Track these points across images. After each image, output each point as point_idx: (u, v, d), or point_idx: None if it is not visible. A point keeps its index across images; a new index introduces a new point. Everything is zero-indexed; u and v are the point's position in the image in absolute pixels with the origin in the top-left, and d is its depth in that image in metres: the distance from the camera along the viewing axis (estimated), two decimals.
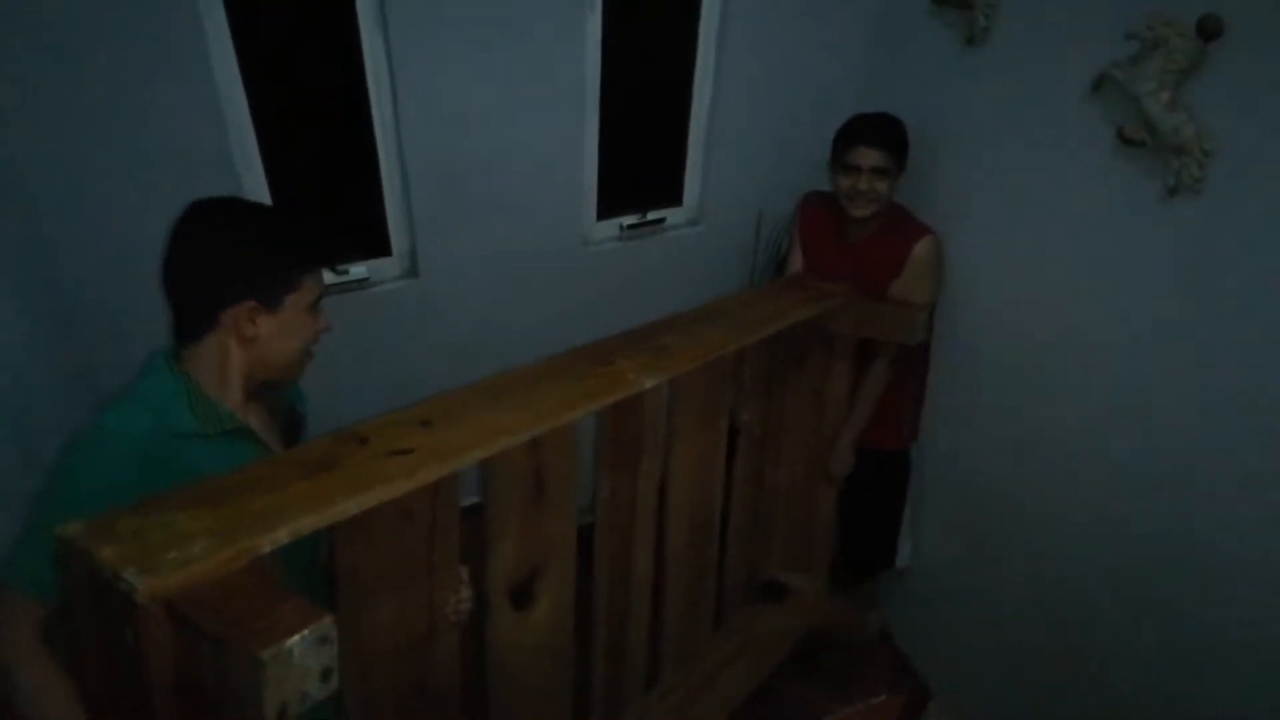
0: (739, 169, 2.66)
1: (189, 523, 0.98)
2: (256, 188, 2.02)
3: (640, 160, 2.65)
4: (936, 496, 2.48)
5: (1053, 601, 2.13)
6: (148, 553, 0.92)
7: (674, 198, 2.71)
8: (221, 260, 1.12)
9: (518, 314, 2.45)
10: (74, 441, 1.09)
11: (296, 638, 0.83)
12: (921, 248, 2.13)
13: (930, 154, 2.22)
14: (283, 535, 0.99)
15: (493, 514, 1.50)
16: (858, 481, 2.38)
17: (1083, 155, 1.83)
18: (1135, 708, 1.94)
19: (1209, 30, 1.49)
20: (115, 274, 1.84)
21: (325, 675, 0.87)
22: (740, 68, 2.48)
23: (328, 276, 1.44)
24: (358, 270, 2.21)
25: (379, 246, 2.26)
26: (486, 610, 1.57)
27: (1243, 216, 1.55)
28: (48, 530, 0.97)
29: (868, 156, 2.06)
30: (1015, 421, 2.15)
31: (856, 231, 2.22)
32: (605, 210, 2.59)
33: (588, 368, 1.53)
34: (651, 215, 2.64)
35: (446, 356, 2.36)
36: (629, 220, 2.61)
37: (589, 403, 1.43)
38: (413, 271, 2.28)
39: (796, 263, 2.36)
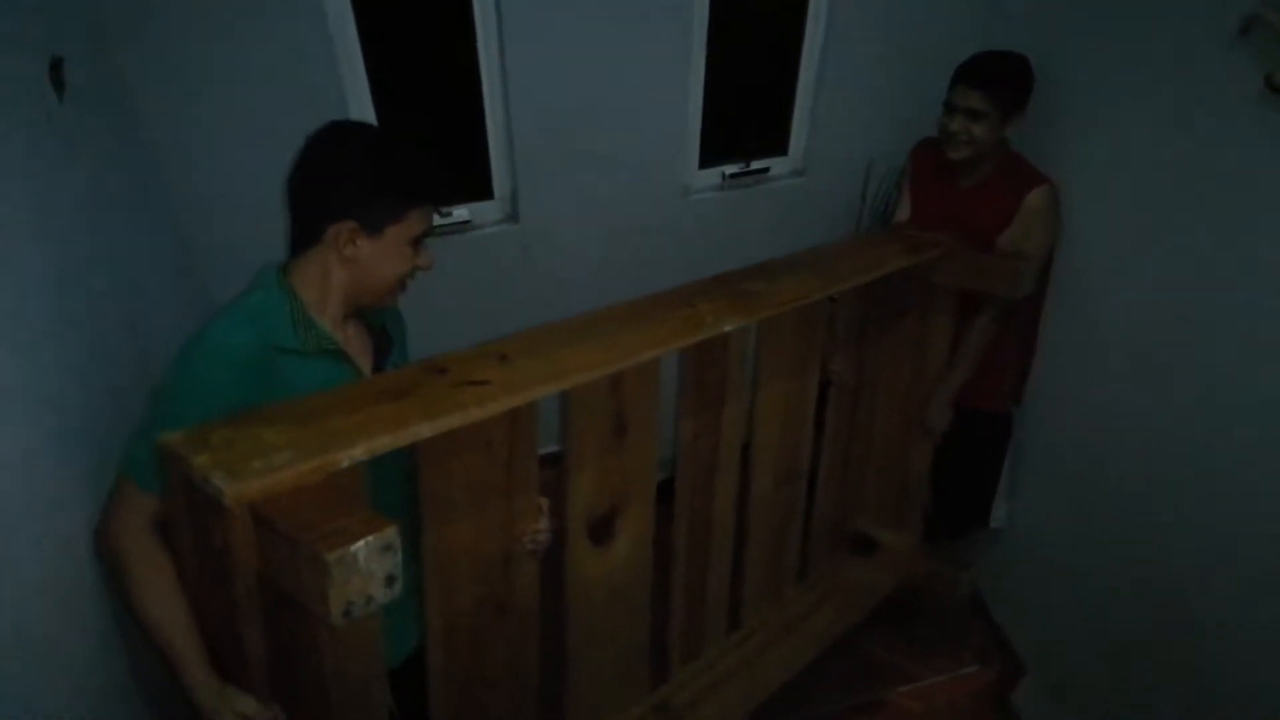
0: (849, 118, 2.57)
1: (275, 437, 1.05)
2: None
3: (745, 107, 2.60)
4: (1038, 463, 2.37)
5: (1154, 588, 2.01)
6: (236, 461, 1.00)
7: (779, 147, 2.65)
8: (334, 175, 1.18)
9: (616, 263, 2.46)
10: (186, 347, 1.18)
11: (361, 543, 0.89)
12: (1035, 197, 2.02)
13: (1055, 102, 2.09)
14: (359, 452, 1.05)
15: (572, 448, 1.54)
16: (956, 440, 2.30)
17: (1226, 107, 1.66)
18: (1235, 703, 1.83)
19: None
20: (226, 195, 1.97)
21: (389, 581, 0.93)
22: (855, 12, 2.39)
23: None
24: (460, 212, 2.27)
25: (481, 189, 2.31)
26: (566, 544, 1.62)
27: None
28: (158, 430, 1.07)
29: (965, 97, 1.97)
30: (1129, 399, 2.02)
31: (966, 179, 2.13)
32: (707, 158, 2.56)
33: (667, 311, 1.54)
34: (755, 165, 2.60)
35: (543, 302, 2.37)
36: (731, 169, 2.57)
37: (666, 344, 1.45)
38: (513, 216, 2.33)
39: (904, 211, 2.28)
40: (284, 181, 1.19)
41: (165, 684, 1.11)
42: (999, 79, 1.98)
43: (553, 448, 1.62)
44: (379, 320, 1.37)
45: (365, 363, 1.31)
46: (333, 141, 1.19)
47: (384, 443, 1.08)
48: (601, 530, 1.67)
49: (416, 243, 1.25)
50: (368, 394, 1.19)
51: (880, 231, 2.19)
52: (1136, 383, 2.00)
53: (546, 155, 2.25)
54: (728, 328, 1.53)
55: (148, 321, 1.61)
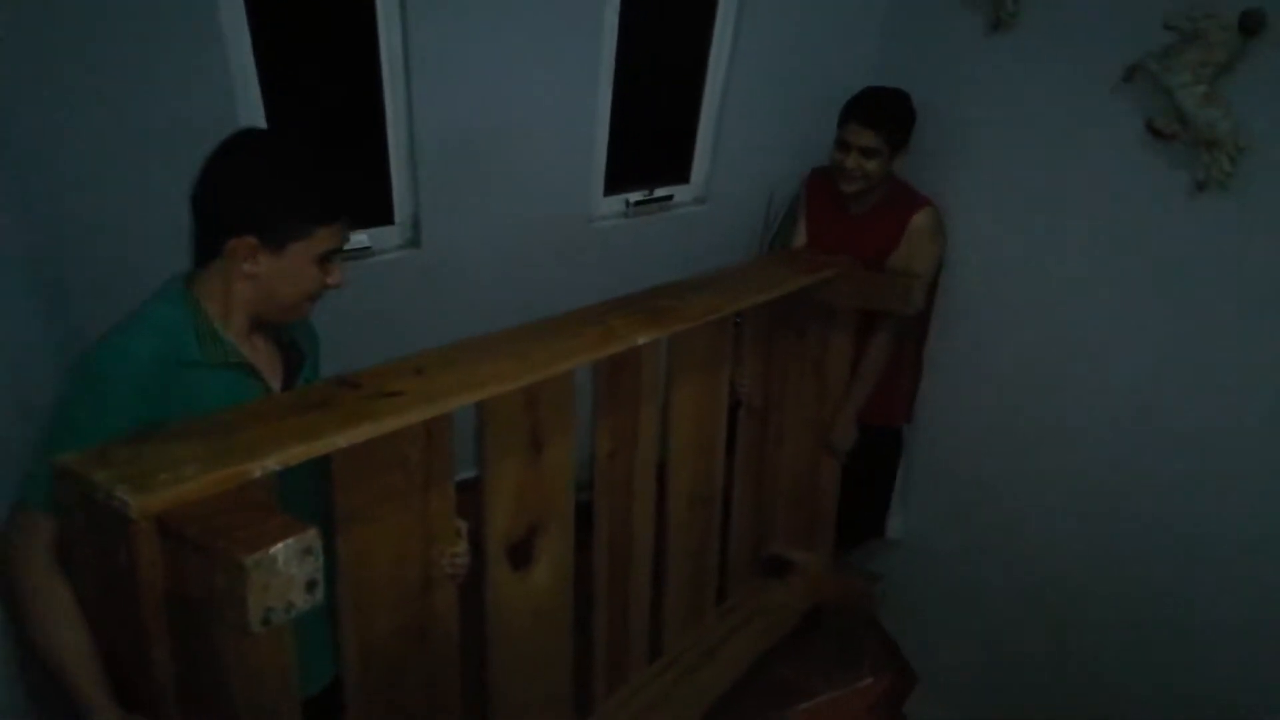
0: (749, 148, 2.65)
1: (182, 450, 1.01)
2: None
3: (650, 136, 2.65)
4: (926, 476, 2.48)
5: (1041, 591, 2.13)
6: (141, 475, 0.95)
7: (682, 175, 2.71)
8: (235, 188, 1.14)
9: (520, 289, 2.44)
10: (83, 359, 1.12)
11: (280, 545, 0.86)
12: (919, 217, 2.14)
13: (946, 138, 2.23)
14: (272, 462, 1.02)
15: (489, 469, 1.53)
16: (853, 454, 2.38)
17: (1108, 146, 1.81)
18: (1121, 699, 1.94)
19: (1252, 25, 1.48)
20: (116, 237, 1.86)
21: (310, 586, 0.90)
22: (757, 46, 2.48)
23: None
24: (359, 238, 2.21)
25: (381, 214, 2.27)
26: (485, 569, 1.59)
27: (1273, 213, 1.54)
28: (56, 448, 1.01)
29: (858, 135, 2.08)
30: (1014, 411, 2.15)
31: (857, 206, 2.24)
32: (612, 186, 2.58)
33: (581, 326, 1.56)
34: (659, 192, 2.65)
35: (446, 329, 2.31)
36: (635, 196, 2.62)
37: (581, 356, 1.46)
38: (415, 241, 2.29)
39: (800, 237, 2.37)
40: (189, 186, 1.16)
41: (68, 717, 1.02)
42: (888, 118, 2.10)
43: (469, 474, 1.60)
44: (288, 334, 1.33)
45: (274, 378, 1.27)
46: (238, 151, 1.16)
47: (297, 453, 1.05)
48: (521, 554, 1.65)
49: (324, 260, 1.21)
50: (278, 408, 1.16)
51: (778, 253, 2.27)
52: (1018, 396, 2.13)
53: (451, 179, 2.22)
54: (641, 340, 1.55)
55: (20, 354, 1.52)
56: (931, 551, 2.49)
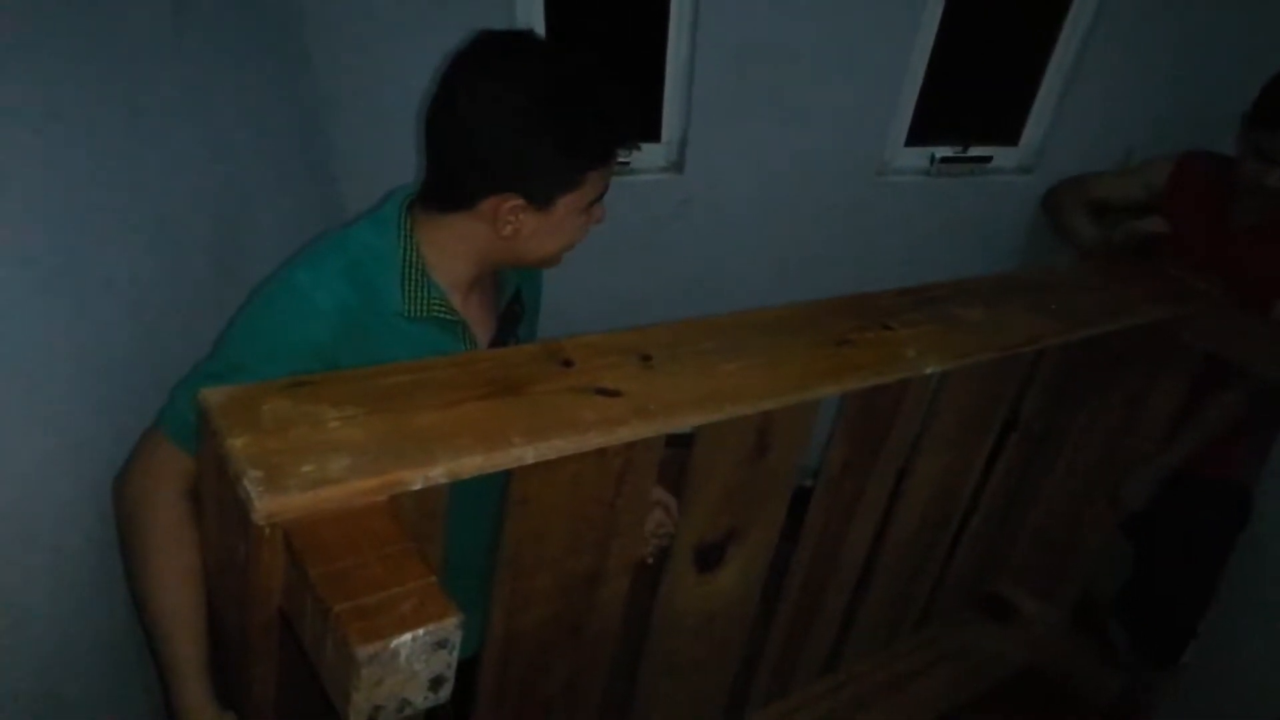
0: (1105, 113, 2.10)
1: (339, 425, 0.81)
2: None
3: (977, 80, 2.13)
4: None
5: None
6: (282, 456, 0.76)
7: (1008, 135, 2.19)
8: (496, 137, 0.91)
9: (784, 238, 2.11)
10: (263, 289, 0.96)
11: (407, 637, 0.65)
12: None
13: None
14: (439, 473, 0.80)
15: (699, 460, 1.27)
16: (1165, 517, 1.88)
17: None
18: None
19: None
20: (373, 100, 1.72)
21: (435, 684, 0.69)
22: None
23: None
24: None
25: (648, 130, 1.99)
26: (668, 566, 1.37)
27: None
28: (208, 380, 0.86)
29: None
30: None
31: (1247, 215, 1.68)
32: (917, 134, 2.12)
33: (854, 326, 1.22)
34: (975, 151, 2.15)
35: (697, 269, 2.10)
36: (945, 152, 2.14)
37: (848, 380, 1.13)
38: (678, 165, 2.00)
39: (1157, 223, 1.80)
40: (421, 115, 0.92)
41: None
42: None
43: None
44: (514, 281, 1.11)
45: (484, 331, 1.06)
46: (491, 82, 0.90)
47: (472, 464, 0.83)
48: (711, 556, 1.41)
49: (593, 205, 0.99)
50: (470, 378, 0.93)
51: (1129, 260, 1.75)
52: None
53: (728, 100, 1.89)
54: (930, 369, 1.20)
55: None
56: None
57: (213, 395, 0.81)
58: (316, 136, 1.75)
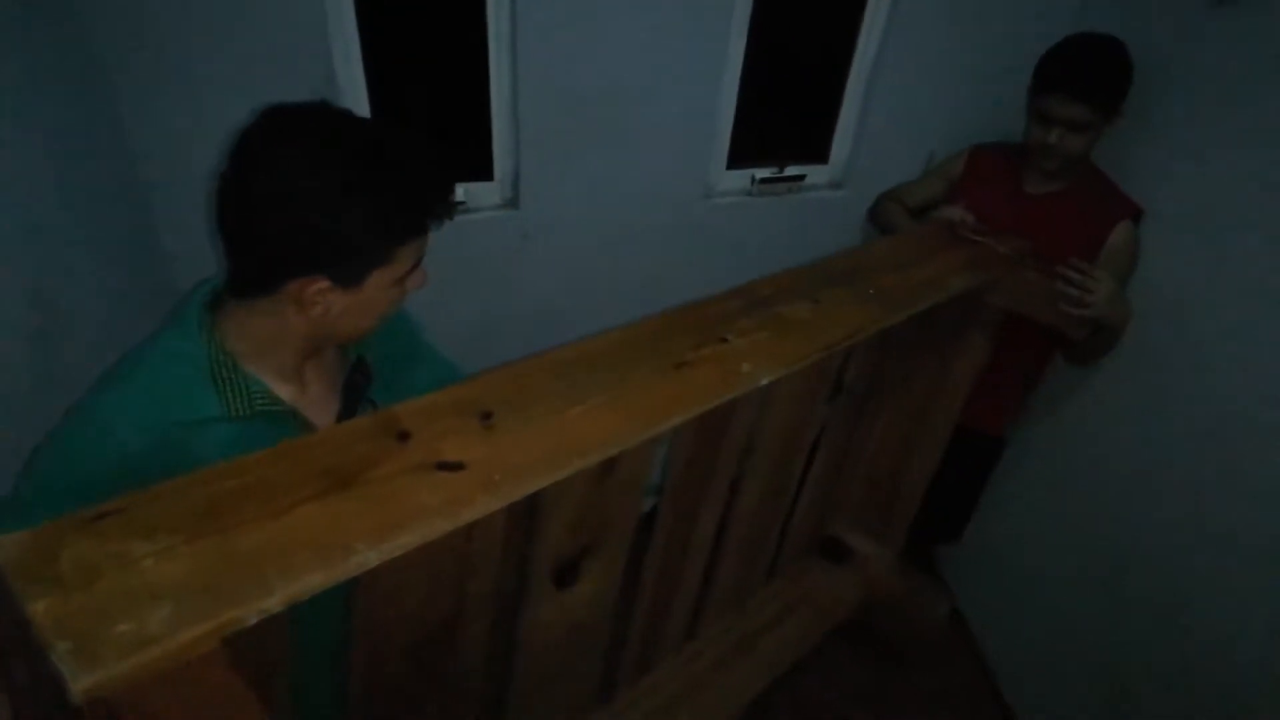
0: (900, 129, 2.23)
1: (153, 561, 0.74)
2: (353, 89, 1.75)
3: (786, 103, 2.24)
4: (1024, 488, 2.28)
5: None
6: (92, 616, 0.68)
7: (818, 153, 2.29)
8: (294, 218, 0.82)
9: (625, 262, 2.17)
10: (71, 417, 0.86)
11: None
12: (1125, 230, 1.75)
13: (1143, 120, 1.77)
14: (274, 603, 0.75)
15: (549, 493, 1.25)
16: (948, 457, 2.09)
17: None
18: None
19: None
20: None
21: None
22: (923, 8, 2.04)
23: None
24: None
25: (480, 169, 1.96)
26: (527, 585, 1.36)
27: None
28: (9, 523, 0.76)
29: (1066, 107, 1.64)
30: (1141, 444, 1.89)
31: (1038, 184, 1.81)
32: (736, 158, 2.20)
33: (691, 344, 1.22)
34: (790, 171, 2.24)
35: (539, 300, 2.12)
36: (763, 173, 2.22)
37: (690, 404, 1.13)
38: (514, 202, 1.98)
39: (952, 214, 1.93)
40: (211, 194, 0.82)
41: None
42: (1104, 85, 1.64)
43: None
44: (353, 349, 1.04)
45: (327, 411, 0.99)
46: (285, 159, 0.80)
47: (311, 583, 0.77)
48: (568, 573, 1.41)
49: (408, 275, 0.93)
50: (300, 474, 0.86)
51: (930, 226, 1.85)
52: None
53: (556, 136, 1.90)
54: (765, 380, 1.22)
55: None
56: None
57: (4, 548, 0.71)
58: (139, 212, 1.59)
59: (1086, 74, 1.66)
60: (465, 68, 1.85)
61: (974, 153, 2.01)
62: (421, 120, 2.00)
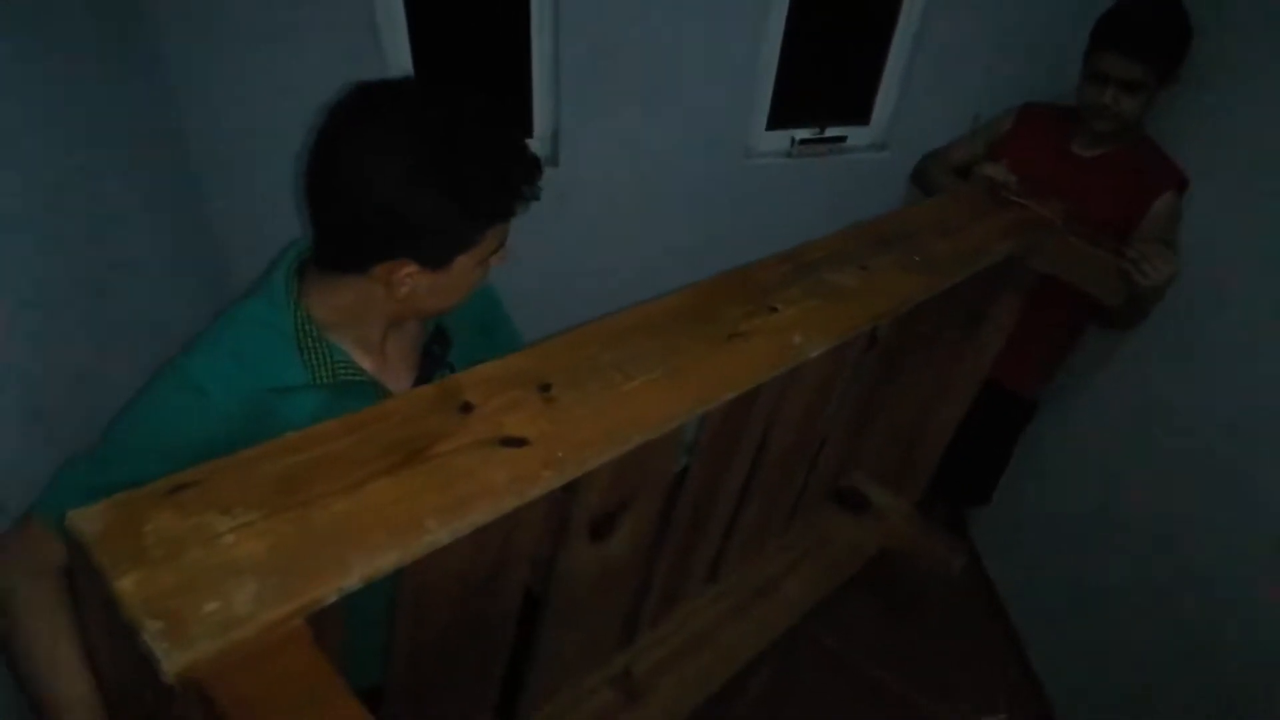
0: (947, 90, 2.17)
1: (235, 538, 0.75)
2: (395, 49, 1.73)
3: (828, 63, 2.19)
4: (1057, 455, 2.28)
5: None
6: (181, 595, 0.70)
7: (860, 114, 2.24)
8: (384, 203, 0.82)
9: (662, 223, 2.15)
10: (156, 378, 0.86)
11: None
12: (1172, 198, 1.72)
13: (1196, 81, 1.72)
14: (353, 582, 0.76)
15: None
16: (979, 416, 2.10)
17: None
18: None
19: None
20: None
21: None
22: None
23: None
24: None
25: (520, 125, 1.91)
26: (565, 538, 1.39)
27: None
28: (94, 474, 0.79)
29: (1121, 67, 1.60)
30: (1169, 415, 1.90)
31: (1087, 145, 1.77)
32: (777, 118, 2.15)
33: (742, 314, 1.22)
34: (830, 132, 2.20)
35: (578, 257, 2.11)
36: (803, 134, 2.17)
37: (742, 379, 1.14)
38: (553, 159, 1.95)
39: (997, 173, 1.88)
40: (299, 175, 0.81)
41: None
42: (1160, 44, 1.59)
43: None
44: (430, 322, 1.04)
45: (406, 375, 0.99)
46: (374, 142, 0.80)
47: (387, 562, 0.79)
48: (604, 527, 1.44)
49: (493, 254, 0.95)
50: (370, 447, 0.87)
51: (970, 188, 1.82)
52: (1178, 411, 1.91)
53: (596, 94, 1.87)
54: (815, 353, 1.22)
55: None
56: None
57: (85, 523, 0.72)
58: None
59: (1144, 32, 1.61)
60: (507, 22, 1.83)
61: (1025, 110, 1.97)
62: (463, 78, 1.96)
